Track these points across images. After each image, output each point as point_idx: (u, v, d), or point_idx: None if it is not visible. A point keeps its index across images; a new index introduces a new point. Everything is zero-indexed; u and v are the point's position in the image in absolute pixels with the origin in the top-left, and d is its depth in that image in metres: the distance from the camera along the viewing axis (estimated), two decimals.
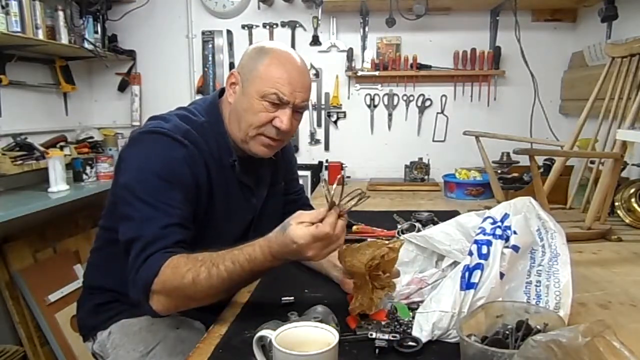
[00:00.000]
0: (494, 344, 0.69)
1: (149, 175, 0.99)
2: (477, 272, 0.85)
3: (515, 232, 0.89)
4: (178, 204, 0.99)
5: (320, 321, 0.80)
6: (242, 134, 1.11)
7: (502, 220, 0.92)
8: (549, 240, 0.91)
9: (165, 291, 0.91)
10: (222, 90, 1.20)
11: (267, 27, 2.84)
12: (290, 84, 1.07)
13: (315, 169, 2.83)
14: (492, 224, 0.92)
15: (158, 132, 1.04)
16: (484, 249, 0.87)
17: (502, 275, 0.86)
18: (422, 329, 0.85)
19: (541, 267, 0.89)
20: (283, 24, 2.83)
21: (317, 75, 2.84)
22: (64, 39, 2.39)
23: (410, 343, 0.83)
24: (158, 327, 1.14)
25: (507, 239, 0.88)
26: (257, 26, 2.85)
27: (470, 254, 0.87)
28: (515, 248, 0.88)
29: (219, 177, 1.11)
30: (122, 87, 2.98)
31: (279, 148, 1.18)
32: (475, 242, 0.88)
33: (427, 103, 2.81)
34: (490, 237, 0.88)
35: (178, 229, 0.97)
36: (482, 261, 0.86)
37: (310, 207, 1.43)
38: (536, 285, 0.88)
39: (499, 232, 0.89)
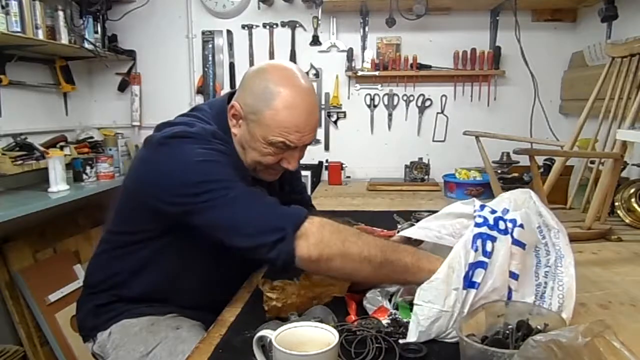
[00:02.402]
0: (494, 344, 0.69)
1: (202, 163, 0.96)
2: (481, 271, 0.83)
3: (522, 226, 0.87)
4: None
5: (320, 321, 0.80)
6: (250, 167, 1.11)
7: (503, 214, 0.90)
8: (552, 239, 0.89)
9: (322, 234, 0.88)
10: (230, 96, 1.15)
11: (267, 27, 2.84)
12: (298, 131, 1.03)
13: (315, 169, 2.83)
14: (492, 212, 0.90)
15: (188, 136, 1.00)
16: (489, 246, 0.84)
17: (514, 275, 0.85)
18: (419, 324, 0.84)
19: (548, 267, 0.88)
20: (283, 24, 2.83)
21: (317, 75, 2.84)
22: (64, 39, 2.39)
23: (412, 347, 0.83)
24: (158, 328, 1.14)
25: (512, 233, 0.86)
26: (257, 26, 2.85)
27: (475, 249, 0.84)
28: (522, 244, 0.86)
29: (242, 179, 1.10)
30: (122, 87, 2.98)
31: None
32: (479, 236, 0.85)
33: (427, 103, 2.81)
34: (495, 232, 0.85)
35: None
36: (486, 259, 0.83)
37: (312, 207, 1.43)
38: (543, 287, 0.87)
39: (502, 225, 0.87)
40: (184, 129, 1.02)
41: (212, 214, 0.94)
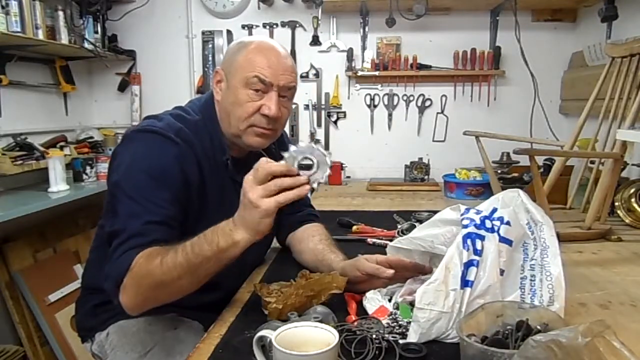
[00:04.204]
0: (494, 344, 0.69)
1: (138, 173, 1.00)
2: (473, 269, 0.84)
3: (508, 223, 0.88)
4: (164, 203, 0.99)
5: (320, 321, 0.80)
6: (234, 129, 1.11)
7: (491, 213, 0.91)
8: (538, 233, 0.90)
9: (136, 282, 0.91)
10: None
11: (267, 27, 2.84)
12: (271, 67, 1.07)
13: None
14: (477, 213, 0.91)
15: (150, 131, 1.04)
16: (478, 244, 0.86)
17: (502, 271, 0.86)
18: (420, 326, 0.84)
19: (534, 260, 0.89)
20: (283, 24, 2.83)
21: (317, 75, 2.84)
22: (64, 39, 2.39)
23: (412, 347, 0.83)
24: (156, 328, 1.14)
25: (499, 230, 0.88)
26: (257, 26, 2.85)
27: (467, 248, 0.85)
28: (508, 242, 0.87)
29: (213, 175, 1.11)
30: (122, 87, 2.98)
31: (274, 138, 1.17)
32: (469, 236, 0.87)
33: (427, 103, 2.81)
34: (482, 231, 0.87)
35: (161, 227, 0.97)
36: (477, 257, 0.85)
37: (311, 207, 1.43)
38: (531, 280, 0.88)
39: (489, 224, 0.88)
40: (150, 123, 1.07)
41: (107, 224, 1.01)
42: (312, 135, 2.89)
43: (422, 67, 2.72)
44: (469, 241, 0.86)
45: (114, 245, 0.95)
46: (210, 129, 1.13)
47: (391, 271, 0.99)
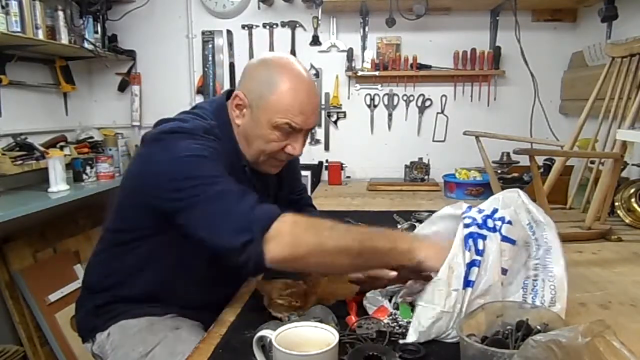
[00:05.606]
0: (494, 344, 0.69)
1: (190, 158, 0.97)
2: (475, 269, 0.84)
3: (510, 223, 0.88)
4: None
5: (320, 321, 0.80)
6: (253, 158, 1.12)
7: (492, 214, 0.91)
8: (540, 233, 0.90)
9: (293, 229, 0.87)
10: (229, 93, 1.18)
11: (267, 27, 2.84)
12: (302, 113, 1.06)
13: (315, 169, 2.83)
14: (480, 212, 0.91)
15: (181, 132, 1.02)
16: (480, 244, 0.86)
17: (505, 271, 0.86)
18: (420, 324, 0.84)
19: (537, 261, 0.89)
20: (283, 24, 2.83)
21: (317, 75, 2.84)
22: (64, 39, 2.39)
23: (410, 347, 0.83)
24: (157, 328, 1.14)
25: (500, 229, 0.88)
26: (257, 26, 2.85)
27: (469, 248, 0.86)
28: (511, 241, 0.87)
29: (235, 176, 1.11)
30: (122, 87, 2.98)
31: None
32: (471, 236, 0.87)
33: (427, 103, 2.81)
34: (484, 231, 0.87)
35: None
36: (478, 257, 0.85)
37: (313, 207, 1.43)
38: (534, 280, 0.88)
39: (490, 224, 0.88)
40: (178, 125, 1.05)
41: (192, 212, 0.94)
42: (312, 135, 2.89)
43: (422, 67, 2.71)
44: (470, 241, 0.86)
45: (234, 198, 0.91)
46: (225, 134, 1.11)
47: (394, 273, 0.99)
